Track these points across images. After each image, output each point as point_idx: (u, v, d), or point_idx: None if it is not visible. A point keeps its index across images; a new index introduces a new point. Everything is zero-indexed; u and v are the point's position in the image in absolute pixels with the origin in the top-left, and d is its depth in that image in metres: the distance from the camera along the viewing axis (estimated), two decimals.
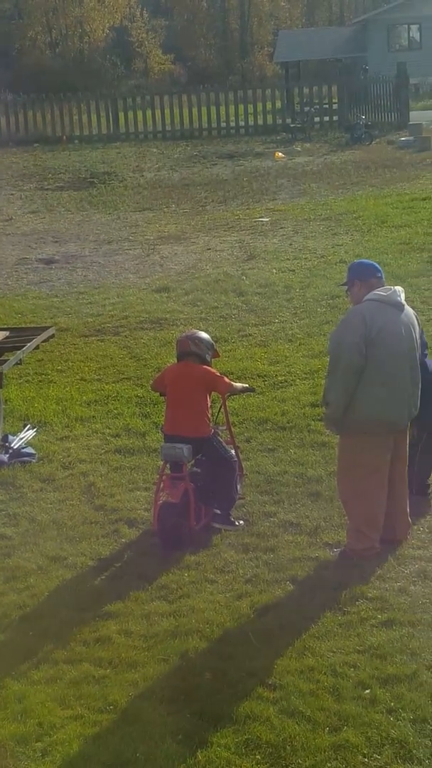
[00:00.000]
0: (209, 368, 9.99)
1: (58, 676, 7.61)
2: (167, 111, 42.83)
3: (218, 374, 10.08)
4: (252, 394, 11.69)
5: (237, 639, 7.89)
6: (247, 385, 10.88)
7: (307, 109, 43.66)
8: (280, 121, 43.86)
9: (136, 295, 18.67)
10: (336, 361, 8.79)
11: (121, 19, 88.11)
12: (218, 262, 20.72)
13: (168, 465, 9.87)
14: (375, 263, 9.37)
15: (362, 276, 9.10)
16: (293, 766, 6.50)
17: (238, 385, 10.48)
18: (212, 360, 10.15)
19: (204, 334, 10.16)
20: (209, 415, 9.95)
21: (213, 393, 10.07)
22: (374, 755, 6.54)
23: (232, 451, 10.07)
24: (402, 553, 9.11)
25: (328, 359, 9.14)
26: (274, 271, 19.50)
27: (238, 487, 10.10)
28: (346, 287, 9.26)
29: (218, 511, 9.88)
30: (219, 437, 10.04)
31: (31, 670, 7.73)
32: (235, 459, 10.06)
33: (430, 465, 9.96)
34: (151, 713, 7.08)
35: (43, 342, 15.90)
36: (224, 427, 10.32)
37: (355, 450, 8.98)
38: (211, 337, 10.31)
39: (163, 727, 6.93)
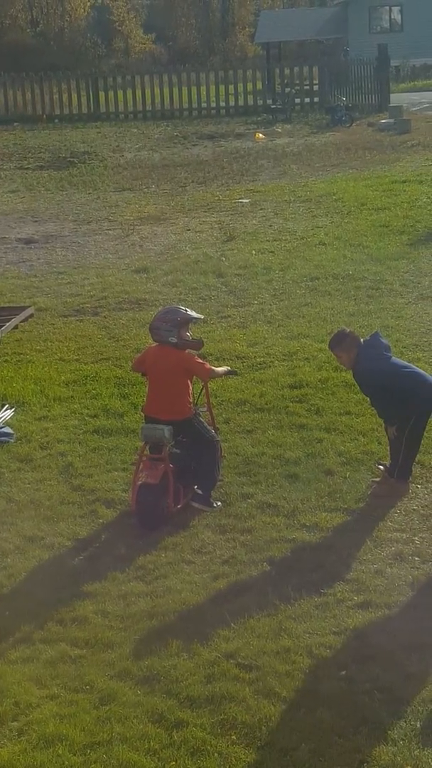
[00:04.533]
0: (190, 355, 9.94)
1: (35, 656, 7.62)
2: (148, 91, 42.61)
3: (199, 361, 10.03)
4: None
5: (214, 620, 7.91)
6: (229, 368, 10.87)
7: (287, 90, 43.49)
8: (260, 102, 43.72)
9: (115, 275, 18.62)
10: None
11: None
12: (198, 243, 20.68)
13: (147, 446, 9.86)
14: None
15: None
16: (268, 746, 6.53)
17: (220, 369, 10.47)
18: (189, 333, 10.05)
19: (166, 316, 9.95)
20: (190, 398, 9.94)
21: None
22: (349, 736, 6.58)
23: (214, 432, 10.09)
24: (378, 536, 9.16)
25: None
26: (254, 252, 19.47)
27: (219, 467, 10.12)
28: None
29: (200, 492, 9.89)
30: (200, 418, 10.03)
31: (7, 649, 7.73)
32: (217, 439, 10.07)
33: (414, 454, 10.01)
34: (127, 693, 7.10)
35: (21, 322, 15.93)
36: (205, 409, 10.32)
37: None
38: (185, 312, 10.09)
39: (138, 707, 6.95)
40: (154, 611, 8.12)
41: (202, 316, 11.34)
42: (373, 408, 10.44)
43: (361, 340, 10.01)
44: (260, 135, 35.99)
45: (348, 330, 10.21)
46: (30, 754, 6.56)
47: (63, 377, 13.49)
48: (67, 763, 6.48)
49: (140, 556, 9.02)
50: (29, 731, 6.80)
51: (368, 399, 10.40)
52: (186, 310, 10.05)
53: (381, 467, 10.28)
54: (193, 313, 10.12)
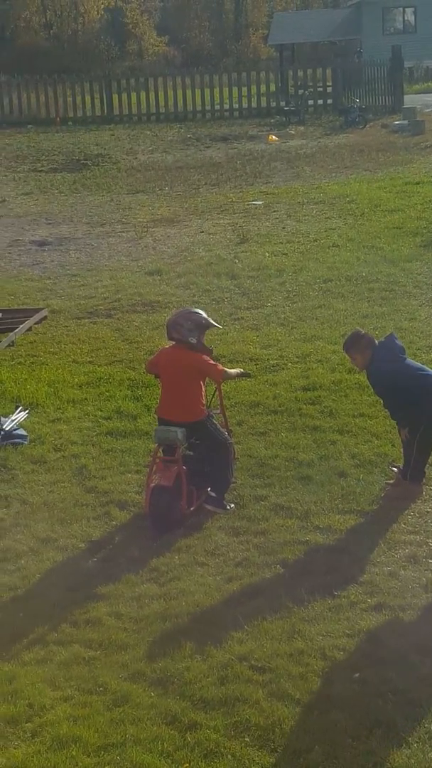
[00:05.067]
0: (202, 357, 9.90)
1: (49, 658, 7.63)
2: (161, 93, 42.70)
3: (211, 362, 9.99)
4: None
5: (227, 622, 7.90)
6: (242, 370, 10.84)
7: (301, 92, 43.52)
8: (274, 104, 43.73)
9: (128, 277, 18.64)
10: None
11: (115, 0, 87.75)
12: (211, 245, 20.69)
13: (161, 448, 9.86)
14: None
15: None
16: (282, 748, 6.52)
17: (233, 371, 10.43)
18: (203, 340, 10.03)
19: (190, 316, 9.98)
20: (204, 400, 9.94)
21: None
22: (363, 738, 6.57)
23: (227, 434, 10.08)
24: (392, 538, 9.14)
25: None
26: (267, 254, 19.47)
27: (233, 469, 10.11)
28: None
29: (213, 494, 9.89)
30: (213, 420, 10.02)
31: (21, 651, 7.74)
32: (231, 442, 10.06)
33: (426, 457, 9.99)
34: (140, 695, 7.10)
35: (35, 324, 15.96)
36: (218, 411, 10.32)
37: None
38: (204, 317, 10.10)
39: (152, 709, 6.95)
40: (168, 613, 8.12)
41: (221, 327, 11.30)
42: (385, 410, 10.43)
43: (376, 341, 10.01)
44: (273, 137, 36.02)
45: (363, 331, 10.21)
46: (43, 756, 6.57)
47: (76, 379, 13.51)
48: (80, 764, 6.48)
49: (153, 558, 9.02)
50: (43, 733, 6.81)
51: (381, 401, 10.40)
52: (207, 317, 10.08)
53: (394, 469, 10.28)
54: (213, 322, 10.15)
